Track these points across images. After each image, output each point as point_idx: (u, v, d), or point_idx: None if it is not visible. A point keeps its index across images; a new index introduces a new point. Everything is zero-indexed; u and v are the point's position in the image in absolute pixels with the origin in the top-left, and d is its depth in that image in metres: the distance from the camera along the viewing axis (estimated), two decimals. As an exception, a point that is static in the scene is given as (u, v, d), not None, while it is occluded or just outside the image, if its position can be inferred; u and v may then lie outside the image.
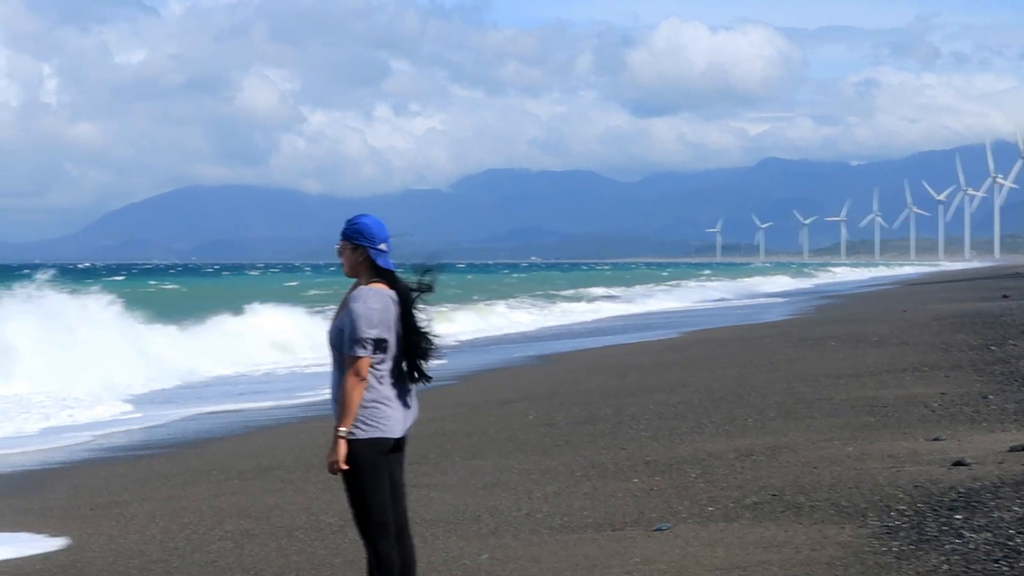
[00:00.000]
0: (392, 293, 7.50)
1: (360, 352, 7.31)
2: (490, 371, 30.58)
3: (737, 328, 42.64)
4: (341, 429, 7.31)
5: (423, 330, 7.57)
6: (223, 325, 44.19)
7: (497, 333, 49.01)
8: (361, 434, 7.35)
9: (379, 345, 7.38)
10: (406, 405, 7.57)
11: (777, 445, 14.86)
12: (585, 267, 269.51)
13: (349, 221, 7.62)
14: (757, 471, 13.38)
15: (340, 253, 7.61)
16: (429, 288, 7.67)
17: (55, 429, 22.36)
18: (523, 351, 37.17)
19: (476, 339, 45.12)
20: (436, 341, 7.62)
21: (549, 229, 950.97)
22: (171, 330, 41.40)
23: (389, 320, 7.42)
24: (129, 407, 25.56)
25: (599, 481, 13.62)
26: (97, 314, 39.06)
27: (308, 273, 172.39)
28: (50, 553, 12.01)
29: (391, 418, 7.44)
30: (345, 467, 7.34)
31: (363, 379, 7.33)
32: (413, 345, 7.53)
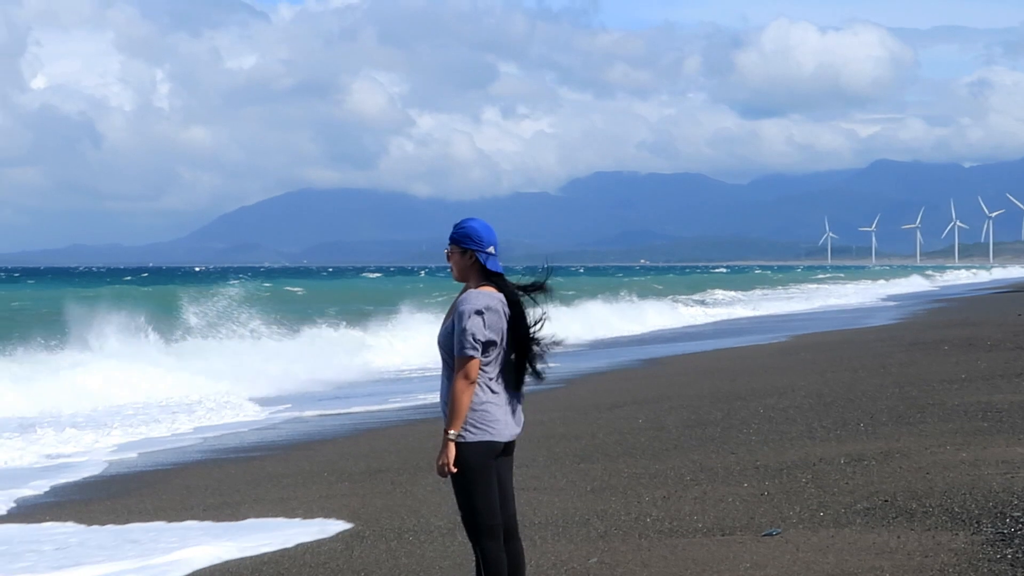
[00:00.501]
0: (501, 296, 7.50)
1: (470, 354, 7.31)
2: (599, 374, 30.56)
3: (846, 332, 42.24)
4: (451, 432, 7.32)
5: (533, 333, 7.57)
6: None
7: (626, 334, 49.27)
8: (471, 437, 7.36)
9: (488, 348, 7.38)
10: (514, 409, 7.56)
11: (889, 450, 14.70)
12: (700, 270, 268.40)
13: (457, 225, 7.62)
14: (868, 476, 13.24)
15: (449, 257, 7.61)
16: (542, 287, 7.67)
17: (177, 433, 22.65)
18: (633, 354, 37.09)
19: (596, 340, 45.21)
20: (546, 343, 7.62)
21: (658, 232, 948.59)
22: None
23: (499, 323, 7.42)
24: (256, 408, 25.97)
25: (708, 485, 13.55)
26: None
27: (423, 276, 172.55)
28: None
29: (500, 421, 7.44)
30: (454, 470, 7.35)
31: (473, 382, 7.33)
32: (523, 348, 7.53)
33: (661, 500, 12.96)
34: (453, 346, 7.41)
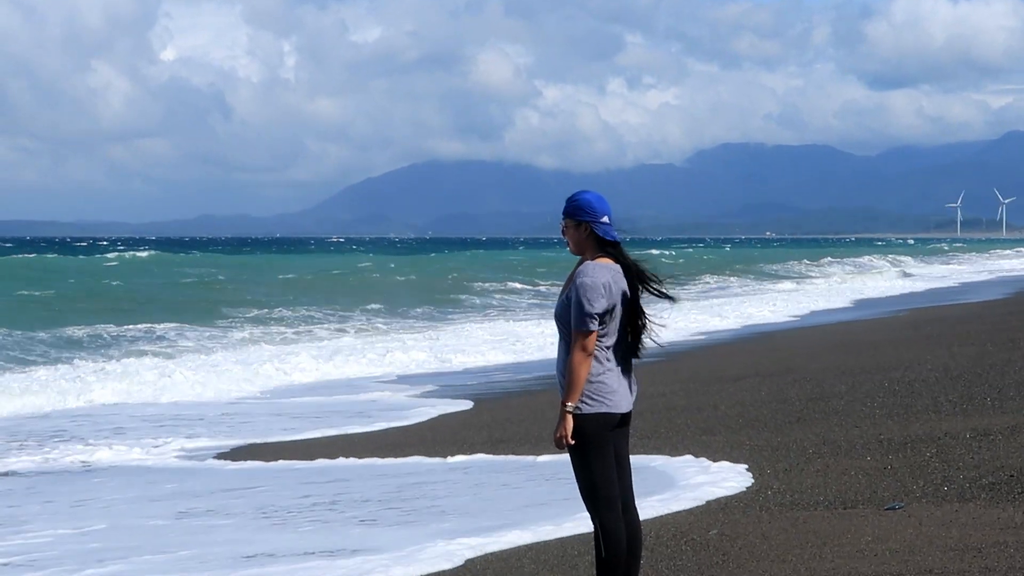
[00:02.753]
0: (618, 267, 7.47)
1: (588, 327, 7.30)
2: (723, 345, 30.48)
3: (971, 306, 41.65)
4: (568, 404, 7.30)
5: (644, 307, 7.55)
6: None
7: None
8: (588, 409, 7.34)
9: (605, 318, 7.35)
10: (630, 380, 7.55)
11: (1016, 425, 14.49)
12: (830, 242, 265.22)
13: (569, 199, 7.58)
14: (994, 451, 13.07)
15: (564, 232, 7.58)
16: (660, 283, 7.61)
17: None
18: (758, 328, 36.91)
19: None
20: (654, 321, 7.57)
21: (785, 204, 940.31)
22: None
23: (616, 294, 7.38)
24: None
25: (831, 459, 13.47)
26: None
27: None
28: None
29: (617, 393, 7.42)
30: (572, 442, 7.35)
31: (590, 354, 7.31)
32: (637, 320, 7.50)
33: (783, 473, 12.91)
34: (570, 319, 7.39)
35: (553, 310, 7.66)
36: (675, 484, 12.86)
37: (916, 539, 9.75)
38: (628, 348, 7.54)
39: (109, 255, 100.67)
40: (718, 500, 11.84)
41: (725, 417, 17.23)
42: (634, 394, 7.59)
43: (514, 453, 15.64)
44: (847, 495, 11.63)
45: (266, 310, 46.59)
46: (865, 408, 16.86)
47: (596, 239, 7.51)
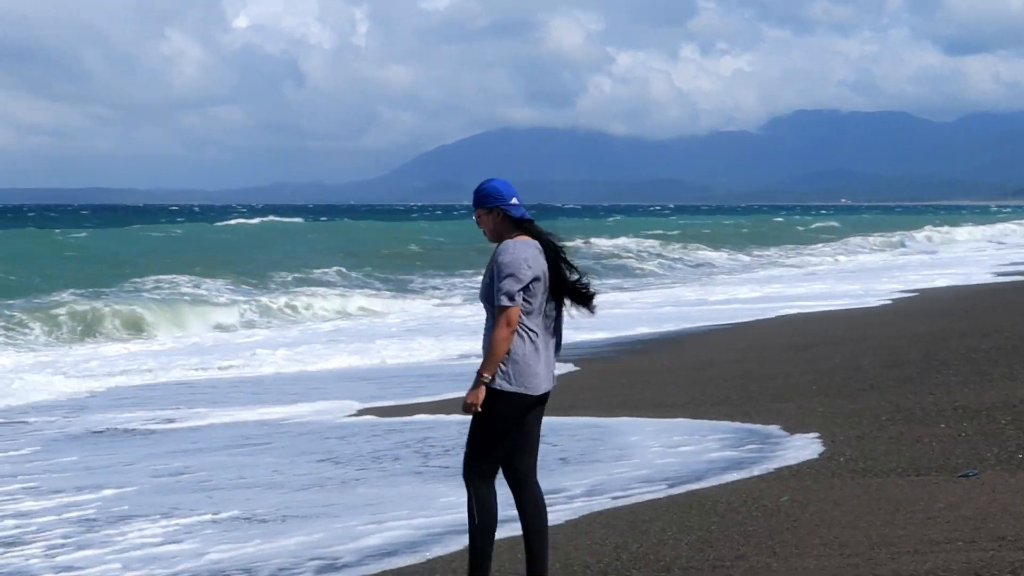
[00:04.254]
0: (536, 243, 7.60)
1: (508, 302, 7.43)
2: (796, 314, 30.33)
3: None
4: (485, 375, 7.43)
5: (574, 274, 7.67)
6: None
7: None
8: (507, 388, 7.47)
9: (529, 294, 7.47)
10: (550, 362, 7.67)
11: (1093, 393, 14.35)
12: (905, 209, 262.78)
13: (476, 191, 7.75)
14: (1071, 419, 12.95)
15: (479, 222, 7.76)
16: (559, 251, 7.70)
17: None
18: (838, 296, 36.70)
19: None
20: (588, 282, 7.72)
21: (859, 171, 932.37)
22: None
23: (537, 268, 7.51)
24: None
25: (904, 426, 13.38)
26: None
27: (669, 215, 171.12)
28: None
29: (538, 376, 7.54)
30: (479, 410, 7.47)
31: (513, 329, 7.44)
32: (567, 290, 7.63)
33: (855, 440, 12.85)
34: (493, 298, 7.51)
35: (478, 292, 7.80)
36: (745, 450, 12.85)
37: (989, 506, 9.67)
38: (554, 328, 7.67)
39: (231, 221, 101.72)
40: (789, 467, 11.80)
41: (798, 384, 17.17)
42: (554, 377, 7.70)
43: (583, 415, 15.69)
44: (920, 462, 11.56)
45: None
46: (940, 375, 16.74)
47: (510, 221, 7.67)
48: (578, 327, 28.54)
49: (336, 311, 36.29)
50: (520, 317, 7.49)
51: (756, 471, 11.75)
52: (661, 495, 10.99)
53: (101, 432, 16.39)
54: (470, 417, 7.59)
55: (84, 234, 75.78)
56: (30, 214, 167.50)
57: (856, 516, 9.62)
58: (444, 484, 12.03)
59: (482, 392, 7.46)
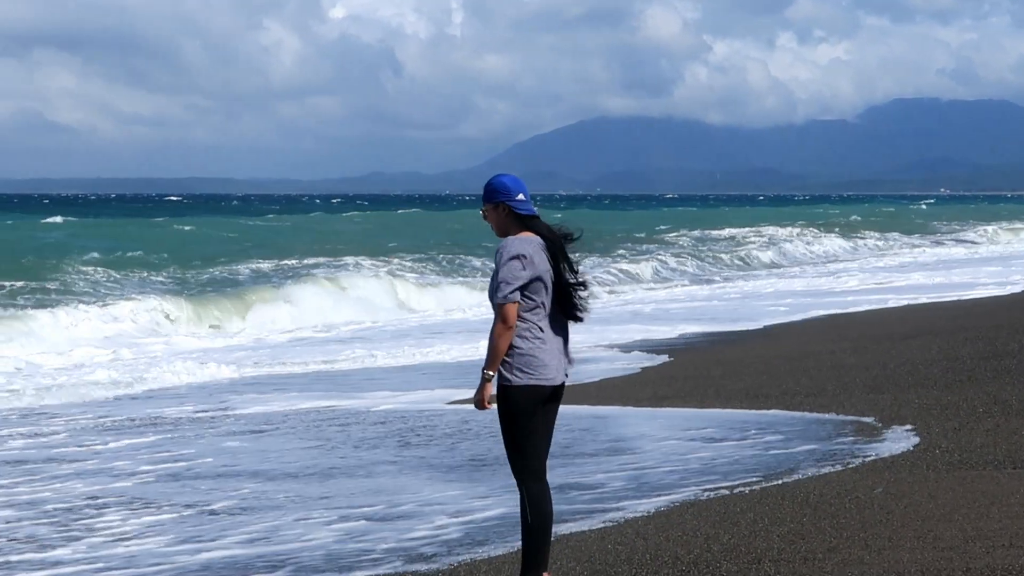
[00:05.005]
0: (540, 240, 7.59)
1: (506, 299, 7.44)
2: (895, 305, 30.08)
3: None
4: (488, 372, 7.49)
5: (574, 271, 7.65)
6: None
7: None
8: (518, 381, 7.49)
9: (532, 291, 7.47)
10: (563, 353, 7.66)
11: None
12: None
13: (485, 186, 7.75)
14: None
15: (486, 217, 7.76)
16: (570, 236, 7.69)
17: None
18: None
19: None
20: (586, 282, 7.70)
21: (959, 160, 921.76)
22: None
23: (539, 265, 7.50)
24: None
25: (1001, 418, 13.21)
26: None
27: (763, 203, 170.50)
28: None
29: (549, 367, 7.54)
30: (488, 406, 7.51)
31: (510, 326, 7.45)
32: (565, 286, 7.60)
33: (952, 432, 12.70)
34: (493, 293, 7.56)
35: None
36: (839, 442, 12.75)
37: (1088, 501, 9.52)
38: (562, 318, 7.66)
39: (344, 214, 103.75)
40: (884, 459, 11.69)
41: (894, 375, 17.01)
42: (567, 368, 7.70)
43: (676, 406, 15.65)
44: (1017, 455, 11.40)
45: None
46: (1039, 367, 16.50)
47: (516, 217, 7.66)
48: (688, 317, 28.69)
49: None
50: (524, 315, 7.51)
51: (850, 463, 11.65)
52: (754, 487, 10.93)
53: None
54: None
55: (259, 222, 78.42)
56: (185, 202, 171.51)
57: (951, 509, 9.51)
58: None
59: (488, 389, 7.51)
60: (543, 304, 7.56)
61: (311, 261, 48.10)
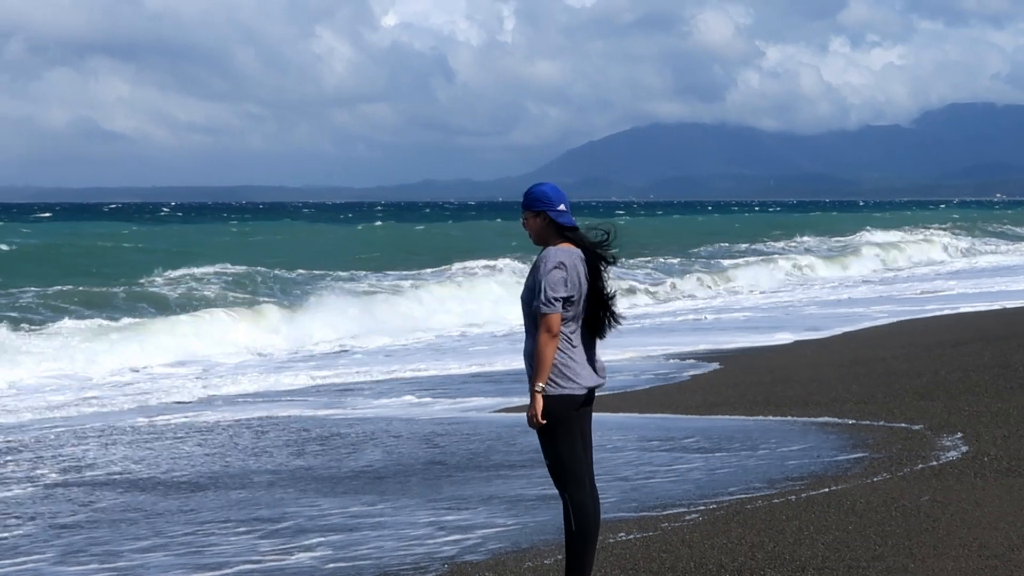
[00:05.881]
0: (579, 251, 7.65)
1: (549, 310, 7.49)
2: (947, 312, 29.91)
3: None
4: (538, 385, 7.53)
5: (607, 286, 7.71)
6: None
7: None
8: (553, 391, 7.56)
9: (568, 302, 7.54)
10: (594, 361, 7.73)
11: None
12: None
13: (526, 193, 7.82)
14: None
15: (524, 224, 7.82)
16: (604, 247, 7.72)
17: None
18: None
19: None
20: (614, 298, 7.74)
21: (1016, 165, 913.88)
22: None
23: (577, 276, 7.58)
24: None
25: (1052, 425, 13.13)
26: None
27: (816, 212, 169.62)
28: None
29: (580, 375, 7.62)
30: (543, 422, 7.55)
31: (555, 336, 7.52)
32: (601, 299, 7.67)
33: (1001, 439, 12.64)
34: (533, 303, 7.59)
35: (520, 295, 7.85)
36: (887, 450, 12.70)
37: None
38: (593, 330, 7.72)
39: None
40: (932, 467, 11.65)
41: (945, 382, 16.93)
42: (601, 374, 7.76)
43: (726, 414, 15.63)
44: (1067, 463, 11.33)
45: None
46: (1091, 374, 16.39)
47: (555, 227, 7.72)
48: (757, 327, 28.61)
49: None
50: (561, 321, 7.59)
51: (897, 471, 11.61)
52: (800, 495, 10.91)
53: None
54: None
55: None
56: (260, 206, 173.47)
57: (997, 517, 9.47)
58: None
59: (540, 403, 7.56)
60: (576, 315, 7.63)
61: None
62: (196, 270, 42.78)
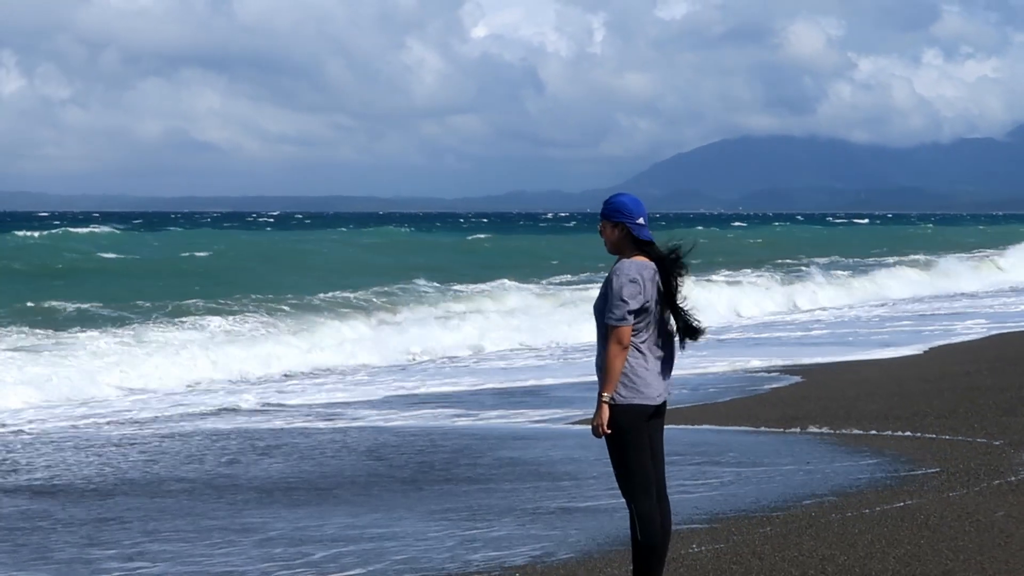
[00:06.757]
0: (653, 265, 7.69)
1: (620, 322, 7.56)
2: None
3: None
4: (604, 395, 7.59)
5: (682, 299, 7.74)
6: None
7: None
8: (622, 400, 7.61)
9: (640, 314, 7.60)
10: (665, 373, 7.77)
11: None
12: None
13: (606, 202, 7.86)
14: None
15: (601, 232, 7.85)
16: (678, 258, 7.75)
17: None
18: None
19: None
20: (693, 310, 7.77)
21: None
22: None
23: (649, 290, 7.62)
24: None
25: None
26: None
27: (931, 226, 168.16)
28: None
29: (651, 385, 7.67)
30: (608, 431, 7.60)
31: (625, 347, 7.58)
32: (675, 312, 7.72)
33: (1082, 455, 12.53)
34: (605, 314, 7.65)
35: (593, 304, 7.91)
36: (964, 465, 12.62)
37: None
38: (668, 342, 7.77)
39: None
40: (1009, 482, 11.57)
41: (1028, 398, 16.78)
42: (670, 386, 7.80)
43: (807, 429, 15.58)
44: None
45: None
46: None
47: (632, 239, 7.76)
48: (849, 343, 28.45)
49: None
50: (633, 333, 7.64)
51: (974, 486, 11.55)
52: (874, 508, 10.88)
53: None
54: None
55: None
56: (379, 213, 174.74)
57: (1072, 534, 9.40)
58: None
59: (606, 412, 7.61)
60: (647, 326, 7.69)
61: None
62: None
